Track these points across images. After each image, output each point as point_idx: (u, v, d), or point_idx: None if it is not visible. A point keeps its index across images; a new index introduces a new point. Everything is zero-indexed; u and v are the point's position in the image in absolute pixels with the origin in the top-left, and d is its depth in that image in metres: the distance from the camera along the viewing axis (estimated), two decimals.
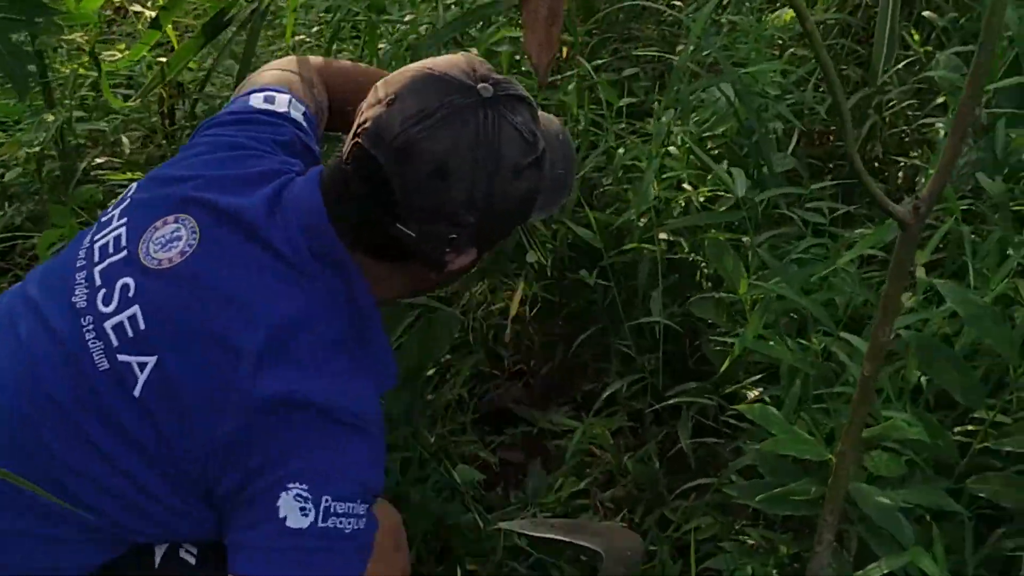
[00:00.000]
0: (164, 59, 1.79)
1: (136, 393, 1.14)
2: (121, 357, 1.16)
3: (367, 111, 1.19)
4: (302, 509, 1.11)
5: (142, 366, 1.15)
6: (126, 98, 2.02)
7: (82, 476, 1.16)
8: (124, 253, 1.22)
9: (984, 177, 1.65)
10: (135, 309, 1.17)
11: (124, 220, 1.25)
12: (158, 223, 1.23)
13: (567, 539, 1.56)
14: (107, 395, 1.15)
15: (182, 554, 1.24)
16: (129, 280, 1.19)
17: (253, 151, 1.33)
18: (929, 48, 2.15)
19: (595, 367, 1.94)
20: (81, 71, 1.79)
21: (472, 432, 1.86)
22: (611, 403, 1.86)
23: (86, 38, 1.84)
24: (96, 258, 1.23)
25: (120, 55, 1.88)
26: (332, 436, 1.15)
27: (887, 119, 2.12)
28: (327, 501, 1.12)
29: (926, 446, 1.40)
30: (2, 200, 1.96)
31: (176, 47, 1.81)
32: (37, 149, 1.69)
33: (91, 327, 1.18)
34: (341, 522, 1.13)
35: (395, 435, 1.65)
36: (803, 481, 1.32)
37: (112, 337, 1.17)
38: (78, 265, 1.24)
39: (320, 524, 1.11)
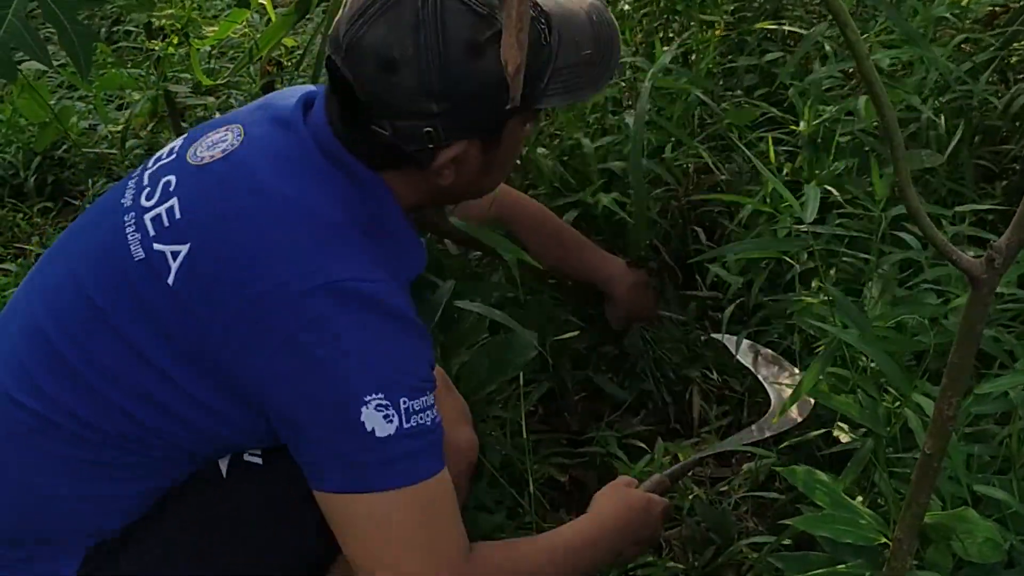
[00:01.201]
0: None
1: (169, 281, 1.13)
2: (157, 246, 1.15)
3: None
4: (385, 417, 1.09)
5: (175, 254, 1.14)
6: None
7: (119, 381, 1.15)
8: (173, 156, 1.25)
9: None
10: (173, 201, 1.18)
11: (183, 140, 1.30)
12: (210, 133, 1.25)
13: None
14: (141, 284, 1.15)
15: (247, 458, 1.24)
16: (172, 177, 1.21)
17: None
18: None
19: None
20: (171, 49, 1.79)
21: (544, 448, 1.73)
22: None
23: (177, 14, 1.83)
24: (149, 164, 1.27)
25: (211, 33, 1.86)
26: (383, 329, 1.13)
27: None
28: (405, 402, 1.10)
29: None
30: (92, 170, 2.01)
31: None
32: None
33: (132, 221, 1.19)
34: (422, 417, 1.12)
35: None
36: (855, 564, 1.11)
37: (150, 227, 1.17)
38: (132, 174, 1.28)
39: (406, 425, 1.10)
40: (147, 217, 1.18)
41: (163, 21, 1.82)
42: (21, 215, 2.53)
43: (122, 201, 1.23)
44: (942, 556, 1.15)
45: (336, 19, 1.15)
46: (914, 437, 1.22)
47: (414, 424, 1.10)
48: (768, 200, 1.30)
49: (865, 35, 1.87)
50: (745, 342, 1.64)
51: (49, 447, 1.18)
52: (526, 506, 1.59)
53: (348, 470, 1.10)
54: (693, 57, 2.18)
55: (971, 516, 1.04)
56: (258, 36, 1.74)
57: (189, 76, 2.10)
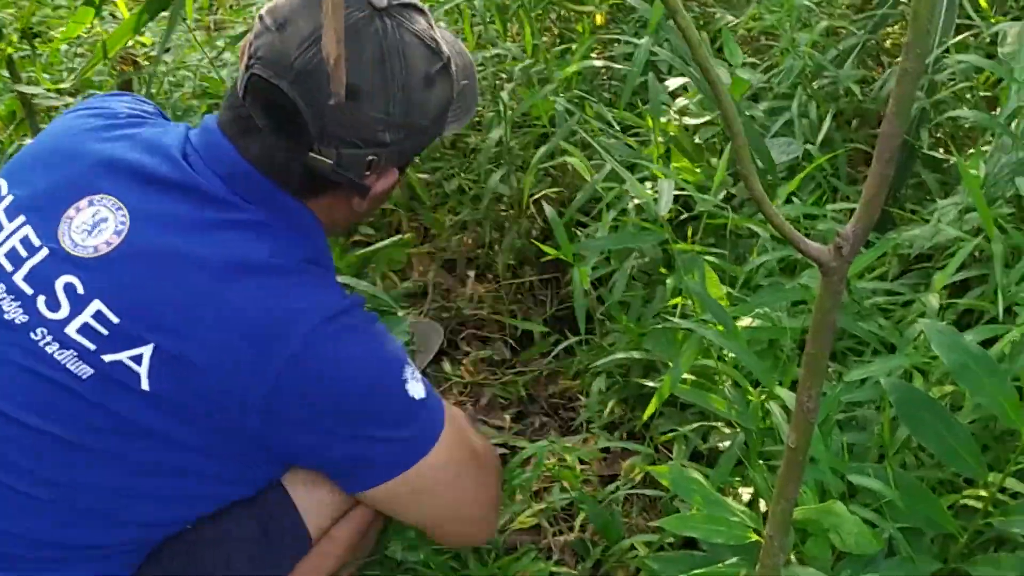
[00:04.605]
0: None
1: (144, 387, 1.05)
2: (107, 357, 1.05)
3: (255, 42, 1.11)
4: (414, 378, 1.15)
5: (137, 359, 1.05)
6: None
7: (127, 498, 1.10)
8: (45, 252, 1.10)
9: None
10: (96, 305, 1.07)
11: (21, 220, 1.13)
12: (70, 211, 1.12)
13: None
14: (108, 399, 1.06)
15: None
16: (70, 278, 1.08)
17: (130, 116, 1.23)
18: (1004, 19, 1.80)
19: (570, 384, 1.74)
20: (10, 50, 1.69)
21: None
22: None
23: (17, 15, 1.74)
24: (9, 267, 1.11)
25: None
26: (377, 326, 1.16)
27: (943, 103, 1.78)
28: (412, 363, 1.17)
29: (918, 517, 1.15)
30: None
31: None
32: None
33: (49, 339, 1.07)
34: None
35: None
36: (732, 563, 1.08)
37: (83, 341, 1.06)
38: None
39: (421, 376, 1.17)
40: (70, 330, 1.06)
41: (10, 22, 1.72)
42: None
43: (6, 319, 1.08)
44: (821, 549, 1.14)
45: (265, 43, 1.09)
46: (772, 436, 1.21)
47: (421, 375, 1.17)
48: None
49: (738, 21, 1.87)
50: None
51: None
52: None
53: (409, 445, 1.15)
54: (573, 48, 2.15)
55: (839, 510, 1.02)
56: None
57: (48, 76, 2.00)
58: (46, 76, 1.90)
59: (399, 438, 1.14)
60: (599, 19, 2.21)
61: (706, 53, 0.80)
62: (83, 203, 1.11)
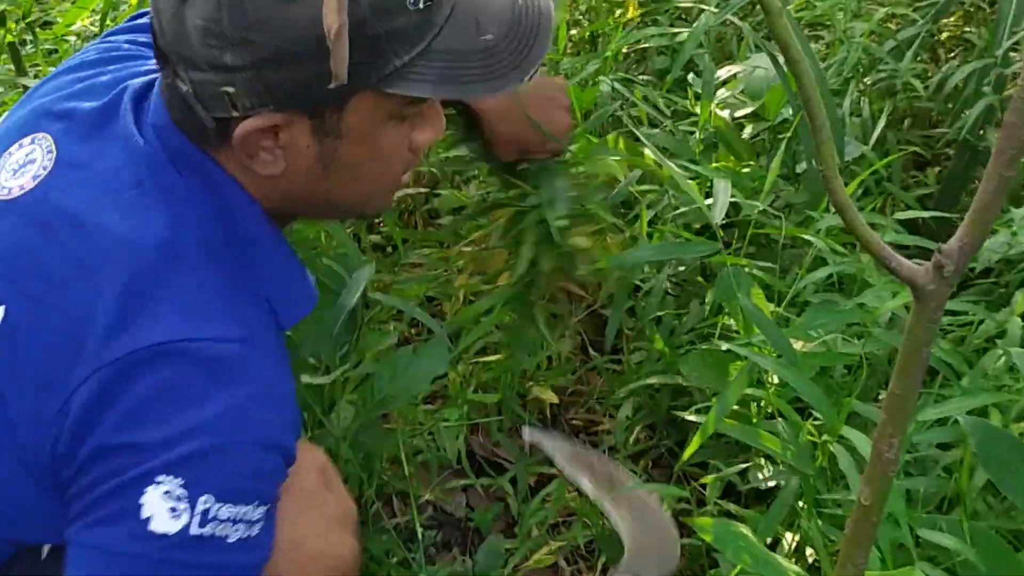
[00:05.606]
0: None
1: None
2: None
3: None
4: (172, 510, 0.83)
5: None
6: None
7: None
8: None
9: None
10: None
11: None
12: (13, 148, 1.01)
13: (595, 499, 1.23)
14: None
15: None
16: None
17: (116, 60, 1.09)
18: None
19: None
20: (10, 37, 1.53)
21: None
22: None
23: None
24: None
25: None
26: (217, 397, 0.86)
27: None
28: (207, 500, 0.84)
29: None
30: None
31: None
32: None
33: None
34: (223, 528, 0.85)
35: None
36: None
37: None
38: None
39: (193, 531, 0.83)
40: None
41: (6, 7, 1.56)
42: None
43: None
44: None
45: None
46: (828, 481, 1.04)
47: (208, 533, 0.84)
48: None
49: (784, 10, 1.70)
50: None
51: None
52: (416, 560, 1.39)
53: (98, 554, 0.85)
54: (600, 39, 2.01)
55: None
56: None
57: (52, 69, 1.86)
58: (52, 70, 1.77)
59: (101, 534, 0.86)
60: (631, 11, 2.05)
61: (787, 23, 0.64)
62: (26, 140, 1.00)
